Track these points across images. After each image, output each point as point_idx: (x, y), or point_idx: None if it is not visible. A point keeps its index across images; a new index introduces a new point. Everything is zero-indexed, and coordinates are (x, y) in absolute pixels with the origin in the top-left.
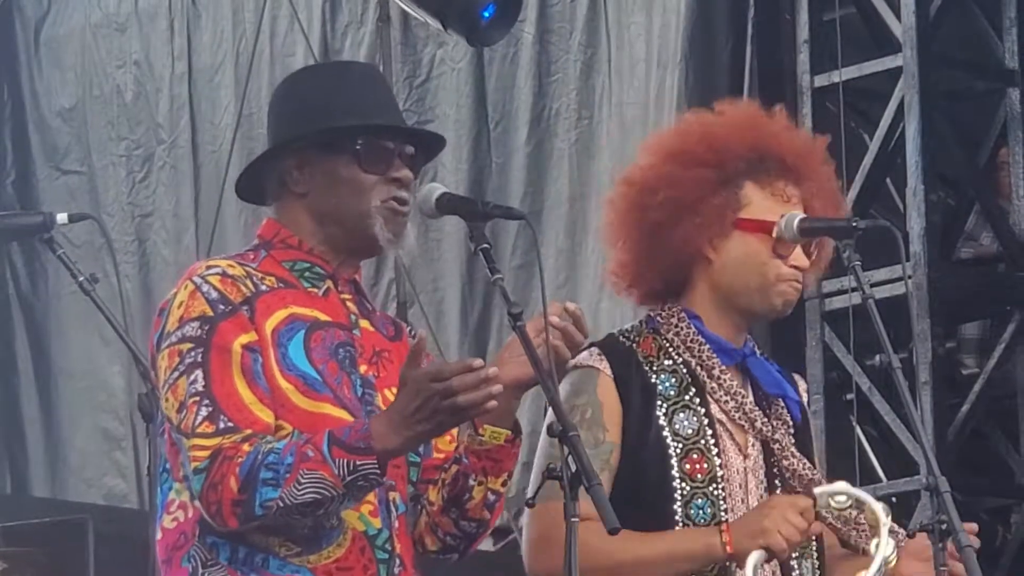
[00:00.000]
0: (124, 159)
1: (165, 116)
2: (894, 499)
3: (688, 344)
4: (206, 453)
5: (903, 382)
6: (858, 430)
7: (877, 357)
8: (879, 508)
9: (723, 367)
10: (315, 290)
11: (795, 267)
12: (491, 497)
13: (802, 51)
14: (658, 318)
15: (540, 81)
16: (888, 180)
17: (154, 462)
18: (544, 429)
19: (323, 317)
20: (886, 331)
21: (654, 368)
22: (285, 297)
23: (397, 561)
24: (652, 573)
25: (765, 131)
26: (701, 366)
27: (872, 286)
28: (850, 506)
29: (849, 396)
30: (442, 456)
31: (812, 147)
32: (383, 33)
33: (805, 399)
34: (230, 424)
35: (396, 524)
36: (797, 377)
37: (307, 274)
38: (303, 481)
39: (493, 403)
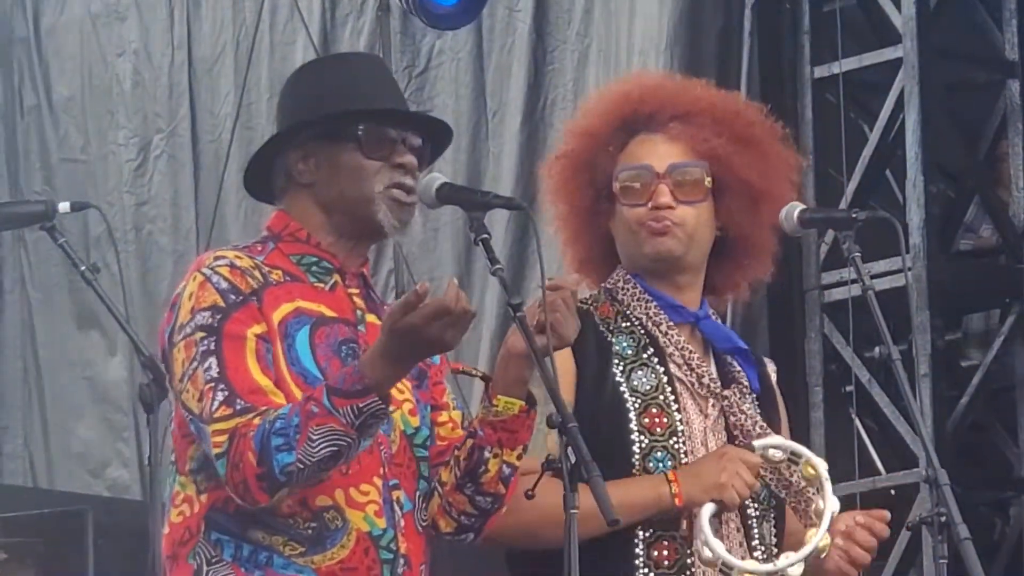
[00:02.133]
0: (123, 148)
1: (164, 105)
2: (893, 491)
3: (637, 302)
4: (224, 437)
5: (902, 374)
6: (857, 422)
7: (876, 349)
8: (818, 463)
9: (671, 323)
10: (322, 285)
11: (656, 208)
12: (506, 470)
13: (803, 42)
14: (609, 283)
15: (536, 71)
16: (888, 172)
17: (155, 453)
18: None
19: (329, 312)
20: (885, 323)
21: (611, 329)
22: (292, 291)
23: (401, 561)
24: (599, 523)
25: (606, 105)
26: (652, 323)
27: (872, 278)
28: (787, 459)
29: (848, 388)
30: (446, 443)
31: (647, 90)
32: (383, 23)
33: (774, 378)
34: (247, 405)
35: (402, 523)
36: (767, 360)
37: (314, 268)
38: (315, 438)
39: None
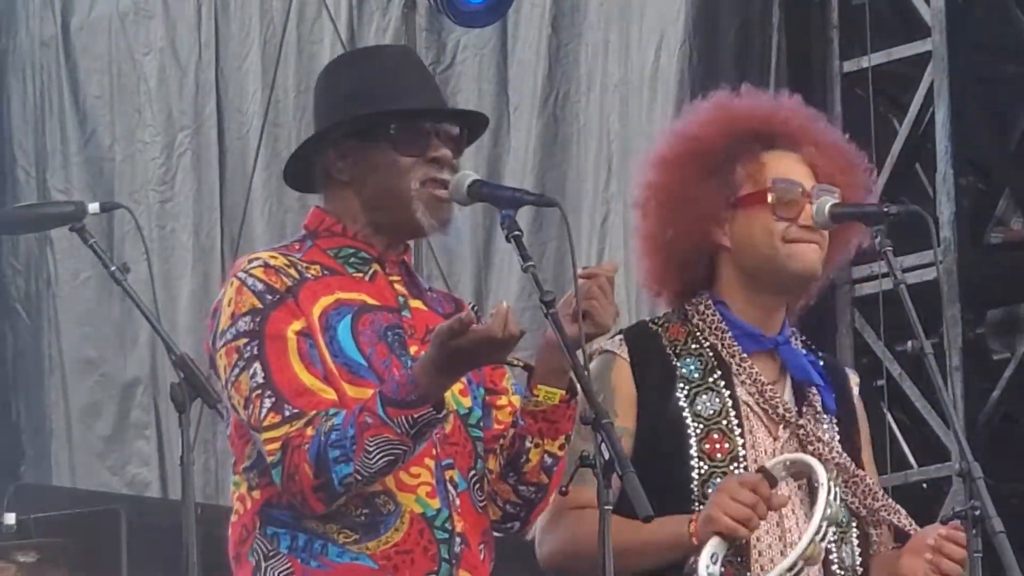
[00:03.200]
0: (148, 146)
1: (191, 103)
2: (925, 485)
3: (713, 329)
4: (277, 445)
5: (935, 367)
6: (889, 417)
7: (908, 343)
8: (817, 467)
9: (744, 355)
10: (361, 275)
11: (806, 227)
12: (548, 460)
13: (832, 36)
14: (687, 306)
15: (551, 64)
16: (918, 165)
17: (187, 452)
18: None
19: (371, 301)
20: (917, 316)
21: (678, 352)
22: (331, 284)
23: (458, 540)
24: (632, 561)
25: (736, 113)
26: (726, 352)
27: (903, 271)
28: (792, 470)
29: (880, 382)
30: (501, 427)
31: (789, 110)
32: (408, 19)
33: (855, 392)
34: (295, 411)
35: (457, 502)
36: (850, 371)
37: (352, 260)
38: (371, 449)
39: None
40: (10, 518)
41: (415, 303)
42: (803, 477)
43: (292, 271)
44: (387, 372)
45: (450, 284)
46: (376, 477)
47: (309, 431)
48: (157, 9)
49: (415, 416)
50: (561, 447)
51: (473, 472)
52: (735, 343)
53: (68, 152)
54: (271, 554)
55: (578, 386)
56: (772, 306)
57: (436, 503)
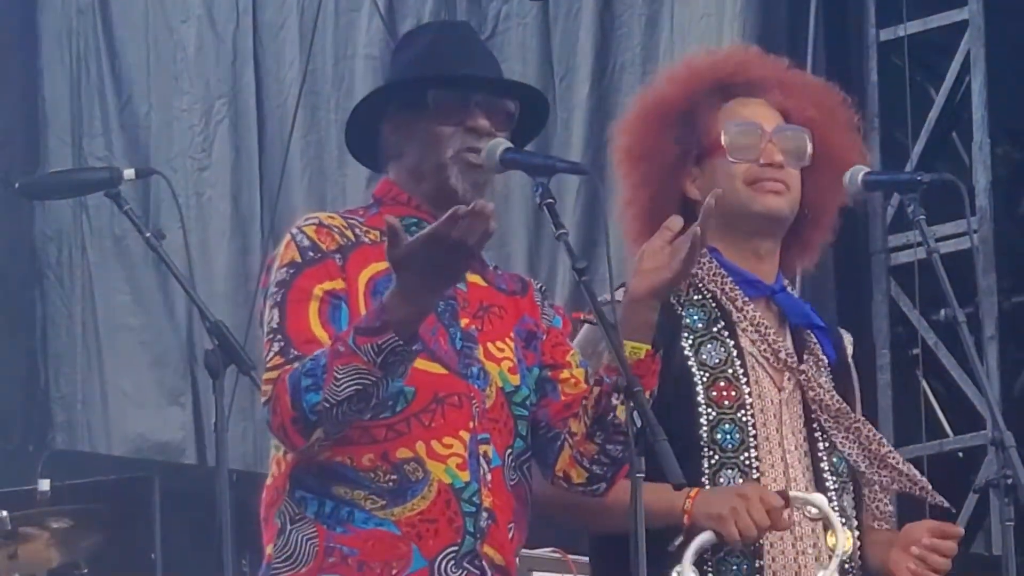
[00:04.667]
0: (185, 113)
1: (228, 71)
2: (960, 454)
3: (712, 276)
4: (270, 385)
5: (968, 336)
6: (924, 385)
7: (942, 311)
8: (841, 536)
9: (746, 298)
10: None
11: (768, 164)
12: (619, 442)
13: (868, 5)
14: None
15: (604, 36)
16: (954, 135)
17: (220, 419)
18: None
19: None
20: (952, 286)
21: (681, 302)
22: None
23: (485, 514)
24: (623, 522)
25: (695, 69)
26: (727, 298)
27: (937, 240)
28: (819, 521)
29: (915, 351)
30: (570, 397)
31: (747, 59)
32: None
33: (850, 351)
34: (299, 354)
35: (488, 478)
36: (843, 332)
37: (413, 229)
38: (339, 376)
39: (490, 226)
40: (44, 484)
41: (473, 277)
42: (816, 520)
43: (348, 232)
44: (433, 341)
45: (503, 255)
46: (347, 408)
47: (295, 365)
48: None
49: (379, 343)
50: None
51: (510, 450)
52: (736, 288)
53: (105, 120)
54: (297, 518)
55: (612, 353)
56: (759, 253)
57: (466, 476)
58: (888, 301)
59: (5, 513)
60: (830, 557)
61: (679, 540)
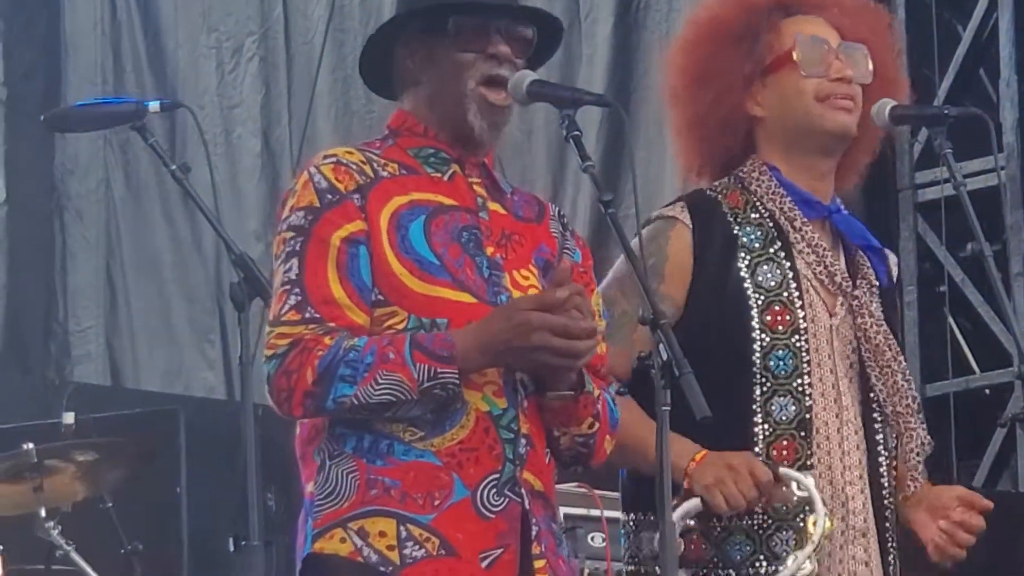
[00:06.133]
0: (215, 51)
1: (257, 8)
2: (987, 391)
3: (771, 195)
4: (287, 341)
5: (995, 271)
6: (951, 321)
7: (968, 246)
8: (821, 521)
9: (805, 219)
10: (439, 175)
11: (839, 79)
12: (579, 439)
13: None
14: (741, 172)
15: None
16: (981, 71)
17: (246, 352)
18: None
19: (447, 201)
20: (979, 223)
21: (739, 220)
22: (406, 184)
23: (523, 441)
24: (634, 458)
25: None
26: (785, 218)
27: (965, 177)
28: (803, 505)
29: (942, 288)
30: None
31: None
32: None
33: (895, 272)
34: (316, 316)
35: (524, 404)
36: (888, 252)
37: (431, 160)
38: (381, 382)
39: (583, 360)
40: (68, 417)
41: (494, 206)
42: (802, 505)
43: (367, 168)
44: (461, 272)
45: (525, 190)
46: (367, 412)
47: (328, 340)
48: None
49: (438, 370)
50: (591, 426)
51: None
52: (795, 208)
53: (135, 57)
54: (336, 453)
55: (639, 286)
56: (820, 171)
57: (503, 402)
58: (915, 238)
59: (31, 445)
60: (807, 540)
61: (674, 502)
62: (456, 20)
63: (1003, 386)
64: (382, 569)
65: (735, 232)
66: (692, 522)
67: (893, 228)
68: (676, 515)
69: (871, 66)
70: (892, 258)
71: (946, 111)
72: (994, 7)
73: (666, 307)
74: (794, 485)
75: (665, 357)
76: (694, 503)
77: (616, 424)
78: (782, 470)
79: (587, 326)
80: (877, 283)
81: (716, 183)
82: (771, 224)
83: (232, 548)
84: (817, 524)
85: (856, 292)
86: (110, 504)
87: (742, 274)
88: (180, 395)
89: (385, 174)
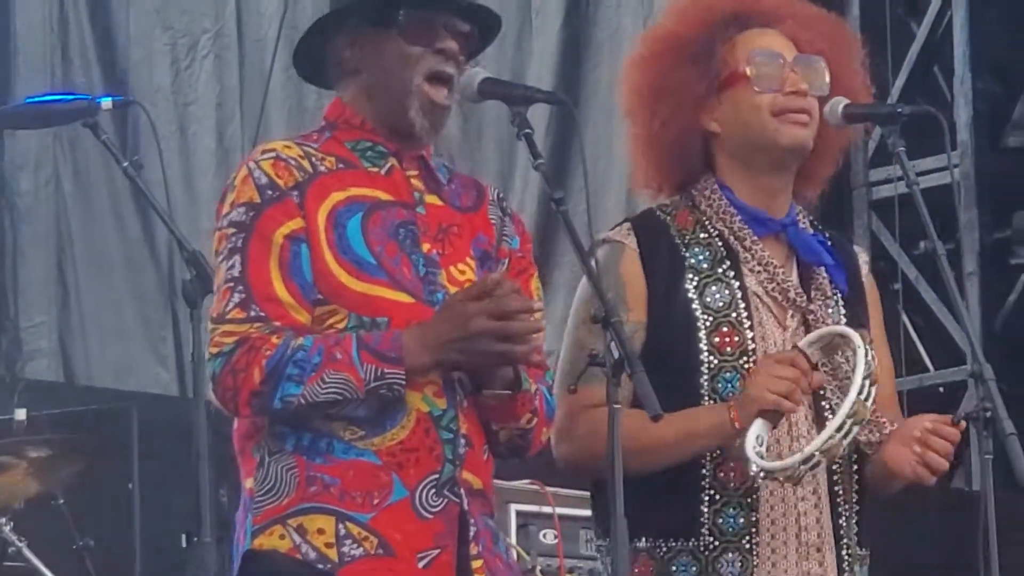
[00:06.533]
0: (169, 47)
1: (211, 5)
2: (941, 388)
3: (721, 215)
4: (233, 339)
5: (948, 269)
6: (905, 319)
7: (922, 244)
8: (849, 332)
9: (755, 237)
10: (376, 169)
11: (793, 93)
12: (517, 432)
13: None
14: (693, 191)
15: None
16: (935, 68)
17: (197, 349)
18: (589, 317)
19: (384, 197)
20: (933, 221)
21: (687, 241)
22: (344, 178)
23: (463, 440)
24: (671, 453)
25: (708, 2)
26: (735, 237)
27: (919, 175)
28: (822, 343)
29: (896, 286)
30: None
31: None
32: None
33: (865, 270)
34: (261, 314)
35: (464, 403)
36: (858, 249)
37: (368, 153)
38: (327, 380)
39: (537, 358)
40: (20, 414)
41: (431, 199)
42: (834, 351)
43: (305, 163)
44: (398, 271)
45: None
46: (312, 411)
47: (275, 339)
48: None
49: (384, 370)
50: (529, 420)
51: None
52: (745, 227)
53: (84, 53)
54: (275, 450)
55: (590, 284)
56: (775, 187)
57: (443, 403)
58: (869, 235)
59: None
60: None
61: (738, 442)
62: (407, 12)
63: (956, 384)
64: (320, 567)
65: (683, 253)
66: (764, 448)
67: (847, 225)
68: (748, 444)
69: (827, 78)
70: (862, 256)
71: (899, 109)
72: (948, 5)
73: (639, 335)
74: (814, 347)
75: (617, 356)
76: (757, 424)
77: (552, 415)
78: (801, 342)
79: (521, 304)
80: (837, 292)
81: (667, 201)
82: (720, 244)
83: (184, 544)
84: (859, 350)
85: (812, 306)
86: (62, 501)
87: (690, 295)
88: (132, 392)
89: (323, 168)
